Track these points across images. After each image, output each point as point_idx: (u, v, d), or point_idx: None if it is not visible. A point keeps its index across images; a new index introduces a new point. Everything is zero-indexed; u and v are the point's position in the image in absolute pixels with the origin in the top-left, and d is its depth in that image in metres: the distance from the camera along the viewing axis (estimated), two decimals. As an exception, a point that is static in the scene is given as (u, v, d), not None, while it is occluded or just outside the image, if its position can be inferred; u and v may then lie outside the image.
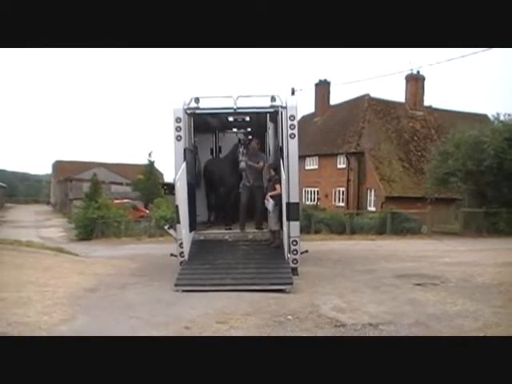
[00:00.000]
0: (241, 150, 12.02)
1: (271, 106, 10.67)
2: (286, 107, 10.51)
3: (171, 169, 11.40)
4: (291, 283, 9.31)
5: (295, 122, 10.49)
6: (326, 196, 35.68)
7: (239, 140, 12.94)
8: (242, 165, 11.84)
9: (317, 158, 36.96)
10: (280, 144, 10.93)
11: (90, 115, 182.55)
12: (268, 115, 11.53)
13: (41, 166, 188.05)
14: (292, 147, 10.51)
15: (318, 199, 36.14)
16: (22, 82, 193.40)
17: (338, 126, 36.86)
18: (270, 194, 11.05)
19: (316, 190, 36.92)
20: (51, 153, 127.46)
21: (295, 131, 10.47)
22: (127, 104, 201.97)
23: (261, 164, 12.00)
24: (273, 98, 10.58)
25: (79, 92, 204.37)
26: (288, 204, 10.09)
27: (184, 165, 10.51)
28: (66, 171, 69.24)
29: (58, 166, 77.47)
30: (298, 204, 10.68)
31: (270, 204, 10.96)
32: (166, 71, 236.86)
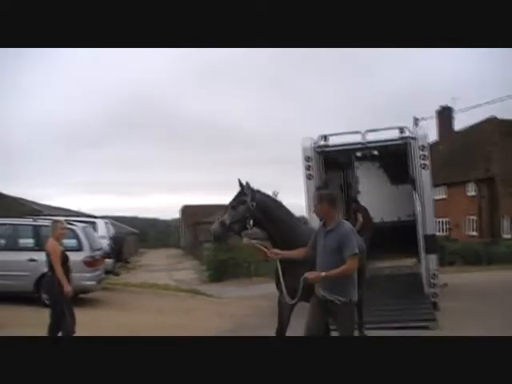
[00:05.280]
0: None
1: (400, 138, 10.60)
2: (415, 138, 10.38)
3: (302, 207, 11.50)
4: (434, 319, 8.99)
5: (426, 153, 10.29)
6: (457, 226, 34.23)
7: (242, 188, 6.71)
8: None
9: (445, 187, 35.57)
10: (412, 176, 10.76)
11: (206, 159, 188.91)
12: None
13: (169, 212, 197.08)
14: (425, 178, 10.32)
15: (449, 229, 34.72)
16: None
17: (464, 153, 35.35)
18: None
19: (446, 220, 35.40)
20: (178, 199, 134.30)
21: (427, 162, 10.29)
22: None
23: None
24: (401, 130, 10.52)
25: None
26: (425, 236, 9.87)
27: None
28: (194, 215, 71.92)
29: (187, 210, 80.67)
30: (434, 235, 10.42)
31: None
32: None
